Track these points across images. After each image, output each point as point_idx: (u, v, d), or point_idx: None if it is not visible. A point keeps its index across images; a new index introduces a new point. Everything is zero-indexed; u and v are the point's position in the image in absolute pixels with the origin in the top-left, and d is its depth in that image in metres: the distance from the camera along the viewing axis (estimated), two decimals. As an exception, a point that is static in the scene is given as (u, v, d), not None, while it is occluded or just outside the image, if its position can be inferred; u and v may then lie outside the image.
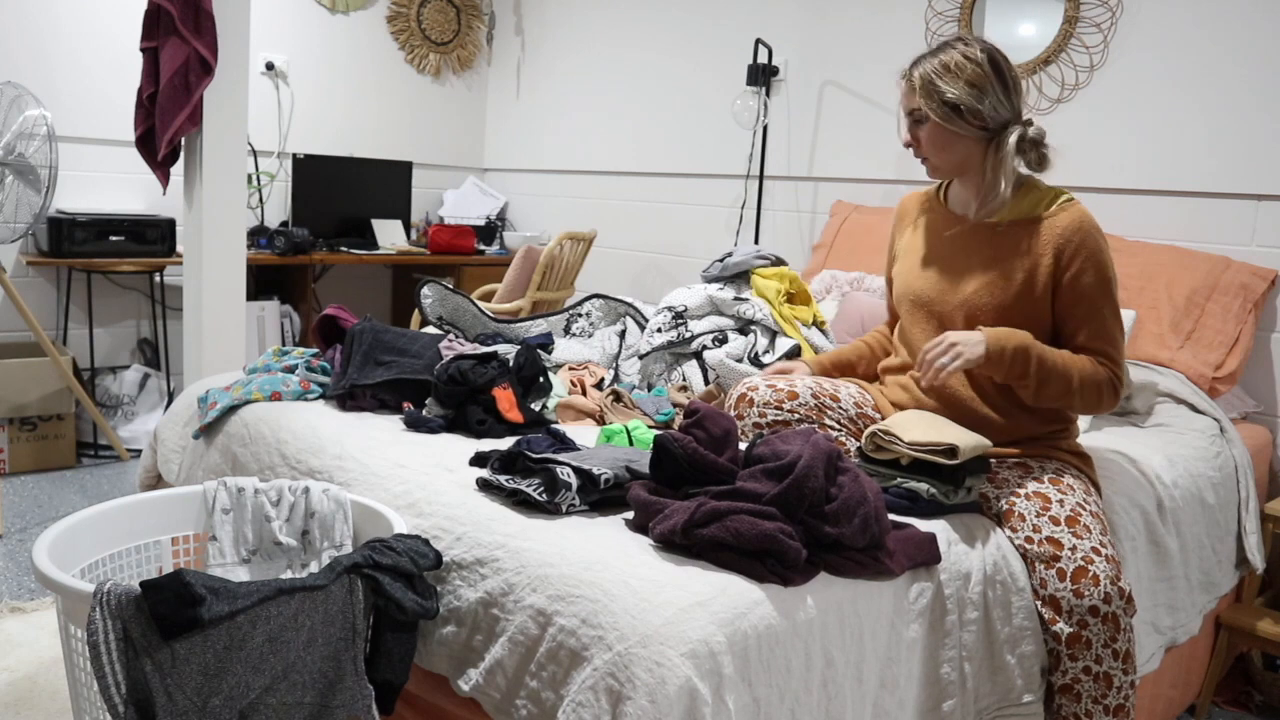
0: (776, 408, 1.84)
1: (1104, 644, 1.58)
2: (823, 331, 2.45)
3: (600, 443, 1.80)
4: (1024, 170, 1.80)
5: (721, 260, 2.57)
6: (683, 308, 2.43)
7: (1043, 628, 1.60)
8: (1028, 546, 1.62)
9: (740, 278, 2.55)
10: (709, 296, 2.45)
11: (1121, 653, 1.59)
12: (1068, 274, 1.74)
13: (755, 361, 2.29)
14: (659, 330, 2.41)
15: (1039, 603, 1.60)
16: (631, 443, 1.78)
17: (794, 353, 2.31)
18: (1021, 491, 1.69)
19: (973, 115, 1.74)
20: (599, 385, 2.26)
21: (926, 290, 1.89)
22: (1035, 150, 1.77)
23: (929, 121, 1.77)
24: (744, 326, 2.40)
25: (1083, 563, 1.58)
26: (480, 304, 2.67)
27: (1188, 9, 2.78)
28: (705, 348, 2.35)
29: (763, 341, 2.34)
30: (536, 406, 2.03)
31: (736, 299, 2.41)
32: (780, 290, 2.45)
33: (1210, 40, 2.74)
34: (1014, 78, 1.77)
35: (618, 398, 2.10)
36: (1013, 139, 1.75)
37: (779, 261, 2.57)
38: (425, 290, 2.58)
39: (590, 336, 2.64)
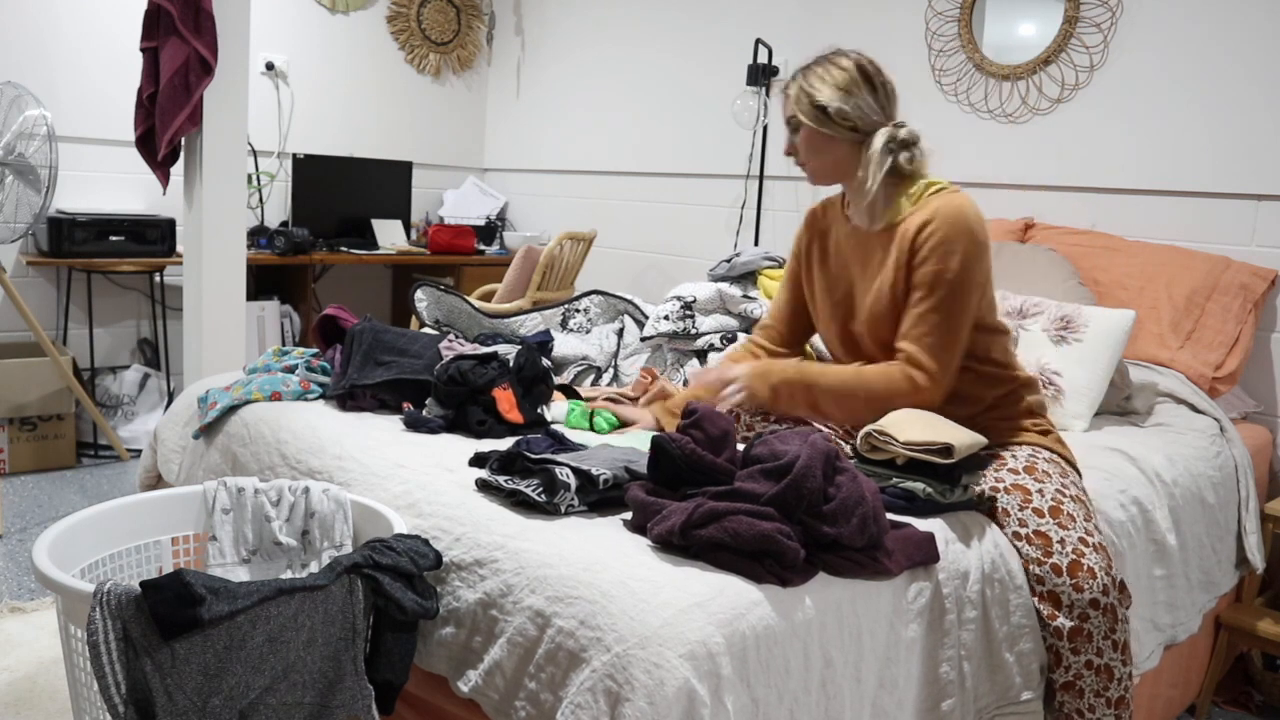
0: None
1: (1104, 636, 1.58)
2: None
3: (569, 418, 1.91)
4: (893, 172, 1.79)
5: (729, 260, 2.58)
6: (692, 299, 2.44)
7: (1040, 624, 1.61)
8: (1016, 543, 1.63)
9: (747, 278, 2.55)
10: (718, 290, 2.46)
11: (1120, 644, 1.60)
12: (913, 265, 1.75)
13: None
14: (665, 318, 2.41)
15: (1036, 599, 1.60)
16: (591, 427, 1.91)
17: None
18: (1001, 485, 1.69)
19: (841, 118, 1.76)
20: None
21: (837, 304, 1.90)
22: (905, 150, 1.78)
23: (803, 127, 1.81)
24: (749, 327, 2.40)
25: (1074, 556, 1.59)
26: (475, 302, 2.66)
27: (1188, 9, 2.78)
28: (713, 347, 2.36)
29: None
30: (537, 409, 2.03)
31: (745, 296, 2.42)
32: None
33: (1210, 40, 2.74)
34: (885, 83, 1.79)
35: (616, 402, 2.10)
36: (879, 140, 1.76)
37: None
38: (419, 294, 2.58)
39: (588, 333, 2.64)
